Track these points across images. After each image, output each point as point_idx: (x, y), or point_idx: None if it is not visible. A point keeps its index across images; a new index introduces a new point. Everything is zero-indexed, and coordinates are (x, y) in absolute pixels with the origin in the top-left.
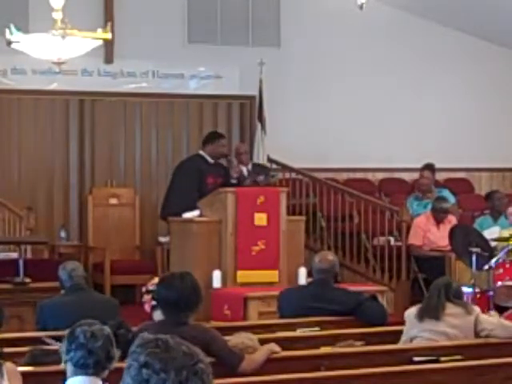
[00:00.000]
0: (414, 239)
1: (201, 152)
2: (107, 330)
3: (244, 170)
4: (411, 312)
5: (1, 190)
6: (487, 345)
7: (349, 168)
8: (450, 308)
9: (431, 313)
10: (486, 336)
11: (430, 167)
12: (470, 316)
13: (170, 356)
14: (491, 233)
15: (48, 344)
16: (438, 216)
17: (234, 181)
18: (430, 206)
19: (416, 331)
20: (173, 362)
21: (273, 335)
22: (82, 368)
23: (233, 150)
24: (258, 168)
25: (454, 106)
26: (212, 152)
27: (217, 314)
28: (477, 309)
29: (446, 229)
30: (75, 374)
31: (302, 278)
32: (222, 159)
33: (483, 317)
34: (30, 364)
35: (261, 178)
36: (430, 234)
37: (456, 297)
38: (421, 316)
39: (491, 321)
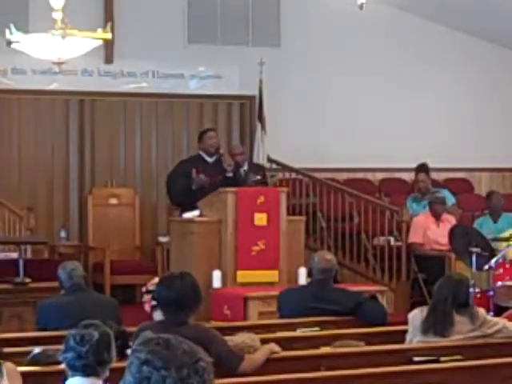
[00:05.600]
0: (415, 237)
1: (200, 152)
2: (97, 334)
3: (240, 170)
4: (416, 316)
5: (1, 190)
6: (487, 345)
7: (349, 168)
8: (456, 317)
9: (437, 330)
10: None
11: (423, 168)
12: (475, 325)
13: (171, 354)
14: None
15: None
16: (436, 209)
17: (229, 174)
18: None
19: (419, 339)
20: (174, 359)
21: (273, 335)
22: (72, 370)
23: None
24: (254, 168)
25: (454, 106)
26: (204, 148)
27: (217, 314)
28: (482, 313)
29: (445, 227)
30: (72, 374)
31: (302, 278)
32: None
33: (490, 319)
34: (33, 364)
35: (257, 177)
36: (429, 232)
37: (464, 304)
38: (425, 330)
39: (496, 320)
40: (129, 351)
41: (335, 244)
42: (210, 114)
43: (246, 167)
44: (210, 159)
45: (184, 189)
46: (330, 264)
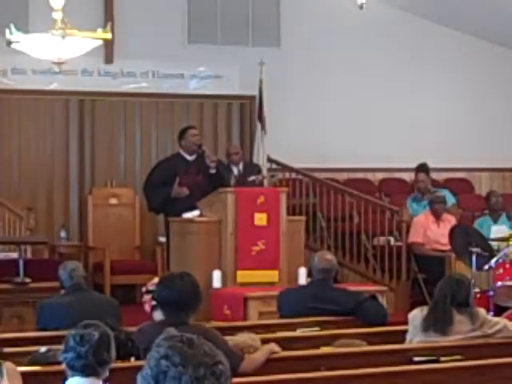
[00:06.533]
0: (415, 237)
1: (180, 151)
2: (97, 334)
3: (235, 169)
4: (416, 316)
5: (1, 190)
6: (487, 345)
7: (349, 168)
8: (456, 316)
9: (437, 327)
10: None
11: (423, 169)
12: (475, 325)
13: (191, 352)
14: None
15: None
16: (436, 209)
17: (212, 170)
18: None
19: (419, 339)
20: (193, 358)
21: (273, 335)
22: (72, 370)
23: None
24: (250, 168)
25: (454, 106)
26: (186, 146)
27: (217, 314)
28: (482, 314)
29: (445, 227)
30: (72, 374)
31: (302, 278)
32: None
33: (490, 319)
34: (33, 364)
35: (252, 178)
36: (429, 231)
37: (464, 304)
38: (426, 328)
39: (497, 320)
40: (133, 359)
41: (335, 244)
42: (210, 113)
43: (241, 167)
44: (190, 157)
45: (166, 196)
46: (330, 264)
